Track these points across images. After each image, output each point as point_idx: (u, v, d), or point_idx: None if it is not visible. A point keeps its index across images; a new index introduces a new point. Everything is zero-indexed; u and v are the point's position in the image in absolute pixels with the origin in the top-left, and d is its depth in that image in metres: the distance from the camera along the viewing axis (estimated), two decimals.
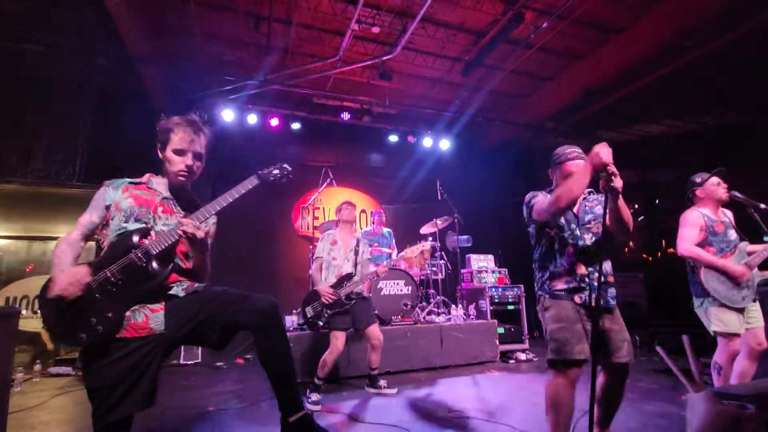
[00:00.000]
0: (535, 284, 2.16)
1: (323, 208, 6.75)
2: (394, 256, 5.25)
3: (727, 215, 2.81)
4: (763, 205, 2.60)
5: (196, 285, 1.67)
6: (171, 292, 1.60)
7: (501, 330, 4.85)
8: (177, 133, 1.66)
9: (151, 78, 5.39)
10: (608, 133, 7.35)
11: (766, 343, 2.56)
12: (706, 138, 6.67)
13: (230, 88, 5.75)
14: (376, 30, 4.82)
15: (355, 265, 3.60)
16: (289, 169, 1.82)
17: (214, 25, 4.90)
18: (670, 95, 5.78)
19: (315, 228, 5.31)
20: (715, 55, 4.69)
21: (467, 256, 5.75)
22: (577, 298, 1.98)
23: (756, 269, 2.62)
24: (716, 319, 2.59)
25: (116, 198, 1.62)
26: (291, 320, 4.46)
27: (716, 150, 6.08)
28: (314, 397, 3.21)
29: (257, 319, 1.57)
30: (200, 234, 1.57)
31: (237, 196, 1.67)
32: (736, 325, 2.56)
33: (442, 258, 5.53)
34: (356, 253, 3.64)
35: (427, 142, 7.05)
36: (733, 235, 2.72)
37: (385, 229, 5.52)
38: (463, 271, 5.71)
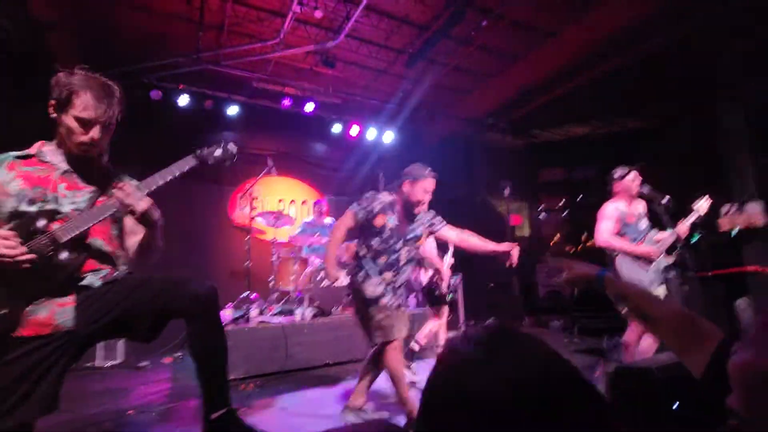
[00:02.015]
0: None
1: (262, 198, 6.47)
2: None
3: (639, 208, 3.12)
4: (665, 199, 2.91)
5: (116, 273, 1.46)
6: (84, 282, 1.38)
7: None
8: (81, 95, 1.37)
9: (63, 48, 4.76)
10: (540, 132, 7.84)
11: None
12: (625, 139, 7.35)
13: (158, 64, 5.27)
14: (318, 14, 4.67)
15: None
16: (234, 151, 1.64)
17: None
18: (594, 99, 6.28)
19: (252, 218, 5.07)
20: (633, 63, 5.16)
21: None
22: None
23: (662, 255, 2.94)
24: None
25: (0, 179, 1.34)
26: (226, 314, 4.23)
27: (633, 150, 6.73)
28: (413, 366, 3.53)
29: (192, 305, 1.43)
30: (144, 205, 1.37)
31: (170, 177, 1.47)
32: None
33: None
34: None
35: (371, 133, 7.03)
36: (644, 224, 3.04)
37: (327, 219, 5.43)
38: None
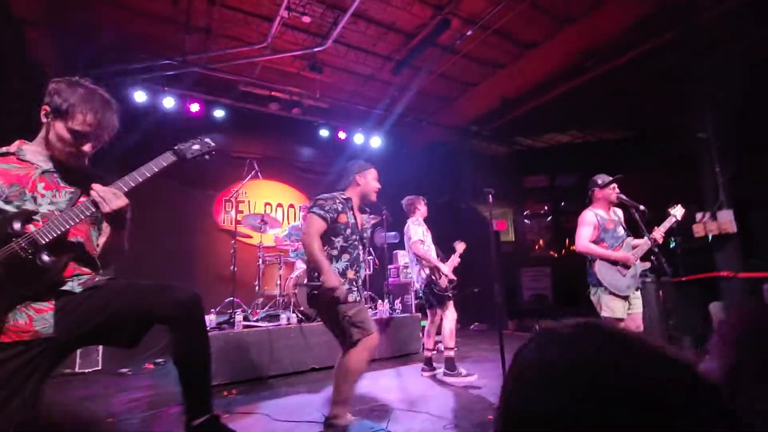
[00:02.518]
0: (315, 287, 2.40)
1: (248, 201, 6.43)
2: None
3: (618, 214, 3.23)
4: (642, 207, 3.02)
5: (98, 278, 1.43)
6: (65, 287, 1.35)
7: (424, 323, 5.03)
8: (83, 110, 1.36)
9: (42, 45, 4.66)
10: (524, 140, 8.00)
11: (642, 326, 2.99)
12: (604, 148, 7.57)
13: (142, 66, 5.21)
14: (306, 19, 4.70)
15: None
16: (212, 144, 1.60)
17: None
18: (574, 109, 6.46)
19: (238, 222, 5.04)
20: (608, 76, 5.34)
21: (394, 252, 5.89)
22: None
23: (638, 260, 3.04)
24: (605, 306, 2.97)
25: None
26: (210, 319, 4.18)
27: (612, 159, 6.93)
28: (462, 370, 3.50)
29: (176, 311, 1.41)
30: (121, 204, 1.34)
31: (149, 174, 1.44)
32: (621, 311, 2.94)
33: (370, 254, 5.58)
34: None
35: (358, 138, 7.06)
36: (621, 231, 3.14)
37: None
38: (390, 266, 5.82)
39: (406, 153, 8.07)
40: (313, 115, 6.71)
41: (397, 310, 5.14)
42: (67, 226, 1.31)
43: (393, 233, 5.89)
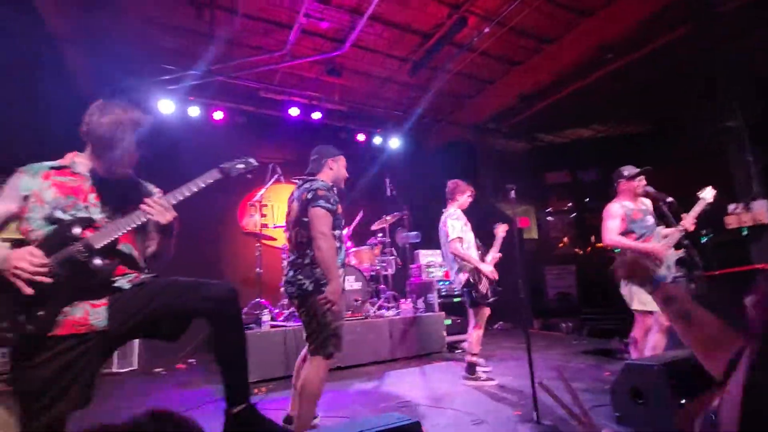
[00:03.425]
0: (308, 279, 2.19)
1: (271, 205, 6.57)
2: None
3: (645, 203, 3.16)
4: (669, 199, 2.95)
5: (143, 276, 1.55)
6: (115, 285, 1.47)
7: (448, 322, 5.04)
8: (109, 139, 1.49)
9: (76, 60, 4.94)
10: (544, 136, 7.89)
11: None
12: (628, 141, 7.38)
13: (169, 77, 5.42)
14: (324, 25, 4.80)
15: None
16: (255, 163, 1.75)
17: (150, 7, 4.59)
18: (595, 103, 6.34)
19: (263, 226, 5.16)
20: (629, 68, 5.22)
21: (416, 251, 5.90)
22: None
23: (671, 250, 2.96)
24: (637, 299, 2.91)
25: (35, 187, 1.42)
26: None
27: (636, 152, 6.75)
28: (482, 374, 3.44)
29: (214, 306, 1.51)
30: (170, 217, 1.47)
31: (196, 189, 1.58)
32: (652, 303, 2.86)
33: (392, 254, 5.62)
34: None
35: (376, 140, 7.12)
36: (650, 220, 3.07)
37: None
38: (412, 266, 5.85)
39: (424, 153, 8.08)
40: (332, 118, 6.82)
41: (420, 309, 5.16)
42: (119, 234, 1.43)
43: (414, 233, 5.92)
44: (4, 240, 1.42)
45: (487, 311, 3.56)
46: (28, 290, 1.26)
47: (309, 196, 2.19)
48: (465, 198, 3.75)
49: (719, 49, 4.48)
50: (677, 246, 2.95)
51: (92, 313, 1.40)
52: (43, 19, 4.25)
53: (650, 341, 2.89)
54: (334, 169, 2.47)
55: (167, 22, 4.83)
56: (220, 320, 1.52)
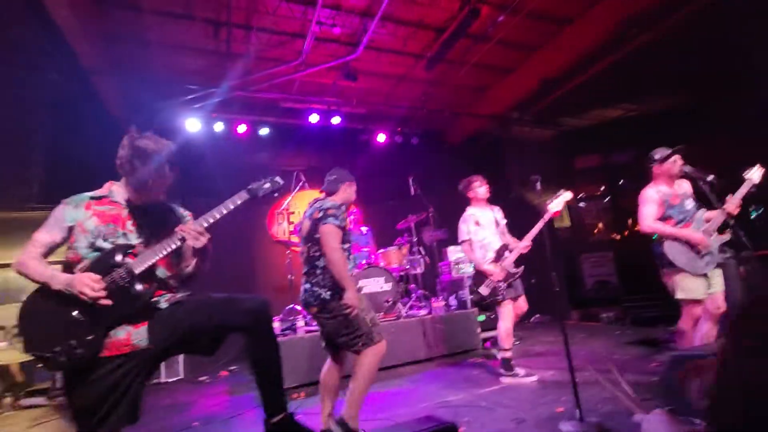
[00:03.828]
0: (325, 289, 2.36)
1: (298, 212, 6.70)
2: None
3: (684, 186, 2.97)
4: (710, 177, 2.76)
5: (179, 296, 1.64)
6: (154, 305, 1.57)
7: (482, 318, 4.96)
8: (139, 172, 1.60)
9: (108, 90, 5.22)
10: (569, 120, 7.61)
11: (724, 307, 2.73)
12: (660, 119, 7.00)
13: (193, 97, 5.63)
14: (337, 31, 4.84)
15: (502, 234, 3.71)
16: (281, 183, 1.81)
17: (170, 33, 4.78)
18: (622, 80, 6.05)
19: (291, 233, 5.27)
20: (656, 42, 4.94)
21: (444, 248, 5.85)
22: None
23: (715, 234, 2.78)
24: (680, 288, 2.75)
25: (79, 217, 1.55)
26: (274, 326, 4.41)
27: (670, 129, 6.39)
28: (520, 370, 3.39)
29: (247, 319, 1.57)
30: (203, 241, 1.55)
31: (226, 212, 1.65)
32: (698, 291, 2.70)
33: (419, 252, 5.60)
34: (497, 224, 3.72)
35: (397, 139, 7.11)
36: (690, 204, 2.88)
37: (363, 228, 5.54)
38: (441, 263, 5.80)
39: (447, 148, 7.99)
40: (351, 121, 6.86)
41: (452, 307, 5.11)
42: (157, 259, 1.53)
43: (441, 230, 5.87)
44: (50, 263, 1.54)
45: (508, 307, 3.49)
46: (106, 301, 1.39)
47: (320, 214, 2.39)
48: (477, 190, 3.75)
49: (751, 13, 4.15)
50: (721, 229, 2.77)
51: (134, 334, 1.48)
52: (78, 56, 4.50)
53: (700, 331, 2.73)
54: (347, 192, 2.67)
55: (188, 45, 5.02)
56: (253, 333, 1.58)
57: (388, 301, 4.65)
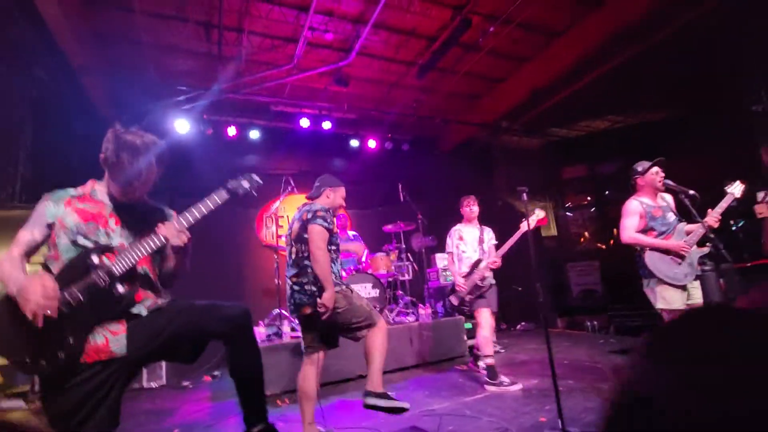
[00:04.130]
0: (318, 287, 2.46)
1: (287, 216, 6.67)
2: (363, 256, 5.30)
3: (666, 199, 3.03)
4: (691, 192, 2.83)
5: (159, 301, 1.60)
6: (134, 311, 1.52)
7: (468, 325, 4.98)
8: (123, 166, 1.52)
9: (97, 89, 5.14)
10: (558, 130, 7.73)
11: None
12: (646, 131, 7.16)
13: (183, 98, 5.58)
14: (329, 37, 4.85)
15: (483, 252, 3.86)
16: (259, 180, 1.80)
17: (162, 34, 4.74)
18: (610, 93, 6.17)
19: (279, 237, 5.24)
20: (644, 55, 5.06)
21: (432, 255, 5.87)
22: None
23: (695, 246, 2.84)
24: (660, 297, 2.80)
25: (59, 214, 1.49)
26: (259, 332, 4.37)
27: (656, 142, 6.54)
28: (505, 379, 3.42)
29: (228, 327, 1.55)
30: (184, 239, 1.52)
31: (206, 211, 1.63)
32: (678, 302, 2.76)
33: (408, 259, 5.61)
34: (481, 242, 3.89)
35: (387, 145, 7.13)
36: (671, 217, 2.94)
37: (350, 233, 5.54)
38: (429, 270, 5.81)
39: (437, 155, 8.04)
40: (342, 127, 6.87)
41: (439, 314, 5.12)
42: (137, 258, 1.48)
43: (429, 237, 5.90)
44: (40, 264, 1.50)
45: (485, 315, 3.63)
46: (39, 322, 1.29)
47: (309, 216, 2.49)
48: (465, 209, 3.98)
49: (743, 28, 4.27)
50: (702, 242, 2.83)
51: (112, 341, 1.45)
52: (66, 54, 4.44)
53: None
54: (331, 197, 2.73)
55: (179, 46, 4.98)
56: (234, 341, 1.56)
57: (375, 307, 4.62)
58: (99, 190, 1.61)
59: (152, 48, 4.94)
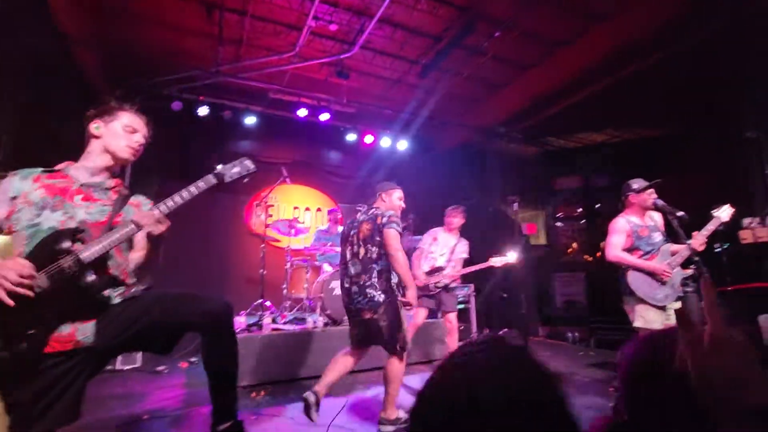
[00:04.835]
0: (378, 292, 2.62)
1: (277, 206, 6.59)
2: None
3: (654, 218, 3.04)
4: (680, 213, 2.84)
5: (134, 289, 1.53)
6: (105, 299, 1.45)
7: None
8: (129, 113, 1.59)
9: (90, 62, 5.01)
10: (555, 140, 7.75)
11: None
12: (642, 147, 7.21)
13: (179, 77, 5.46)
14: (333, 27, 4.78)
15: (448, 261, 4.02)
16: (252, 167, 1.70)
17: (161, 10, 4.63)
18: (608, 107, 6.20)
19: (267, 226, 5.18)
20: (646, 72, 5.09)
21: None
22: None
23: (678, 268, 2.86)
24: (639, 316, 2.82)
25: (24, 189, 1.42)
26: (239, 321, 4.32)
27: (650, 159, 6.58)
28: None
29: (207, 321, 1.49)
30: (162, 228, 1.45)
31: (189, 197, 1.55)
32: (657, 322, 2.78)
33: None
34: (452, 251, 4.06)
35: (385, 142, 7.08)
36: (658, 237, 2.96)
37: (341, 228, 5.49)
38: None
39: (433, 155, 8.02)
40: (340, 120, 6.80)
41: None
42: (111, 246, 1.40)
43: (419, 237, 5.87)
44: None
45: (422, 313, 3.95)
46: (9, 301, 1.23)
47: (383, 220, 2.63)
48: (448, 219, 4.18)
49: (743, 55, 4.31)
50: (686, 264, 2.85)
51: (80, 329, 1.37)
52: (57, 22, 4.30)
53: None
54: (387, 201, 2.92)
55: (178, 24, 4.86)
56: (212, 335, 1.51)
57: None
58: (72, 167, 1.56)
59: (150, 23, 4.82)
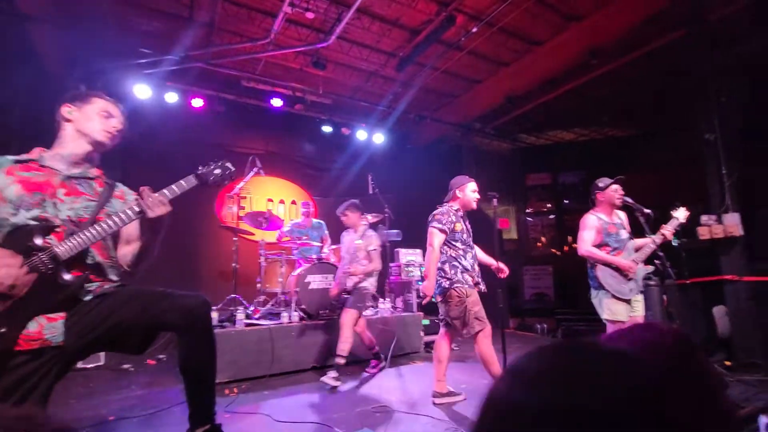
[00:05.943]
0: (445, 279, 2.93)
1: (250, 198, 6.42)
2: (326, 249, 5.17)
3: (621, 217, 3.20)
4: (647, 211, 2.99)
5: (107, 286, 1.43)
6: (76, 296, 1.35)
7: (426, 322, 5.04)
8: (103, 99, 1.52)
9: (45, 41, 4.64)
10: (527, 137, 7.94)
11: None
12: (609, 146, 7.51)
13: (146, 61, 5.17)
14: (310, 15, 4.65)
15: (350, 262, 4.09)
16: (233, 169, 1.67)
17: None
18: (579, 107, 6.40)
19: (240, 219, 5.03)
20: (615, 74, 5.28)
21: (396, 250, 5.87)
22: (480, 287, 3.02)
23: (641, 264, 3.02)
24: (607, 309, 2.96)
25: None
26: (213, 316, 4.19)
27: (617, 157, 6.86)
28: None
29: (184, 319, 1.41)
30: (164, 210, 1.40)
31: (172, 197, 1.48)
32: (623, 314, 2.93)
33: None
34: (355, 249, 4.14)
35: (360, 135, 7.02)
36: (624, 234, 3.11)
37: (315, 221, 5.42)
38: (392, 264, 5.81)
39: (409, 149, 8.02)
40: (315, 111, 6.67)
41: (398, 309, 5.14)
42: (91, 242, 1.31)
43: (395, 231, 5.88)
44: None
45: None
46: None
47: (430, 218, 2.99)
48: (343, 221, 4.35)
49: (706, 59, 4.54)
50: (650, 259, 3.01)
51: (47, 327, 1.28)
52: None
53: None
54: (461, 196, 3.09)
55: (145, 3, 4.59)
56: (188, 334, 1.44)
57: (335, 300, 4.56)
58: (48, 156, 1.42)
59: (115, 2, 4.52)
